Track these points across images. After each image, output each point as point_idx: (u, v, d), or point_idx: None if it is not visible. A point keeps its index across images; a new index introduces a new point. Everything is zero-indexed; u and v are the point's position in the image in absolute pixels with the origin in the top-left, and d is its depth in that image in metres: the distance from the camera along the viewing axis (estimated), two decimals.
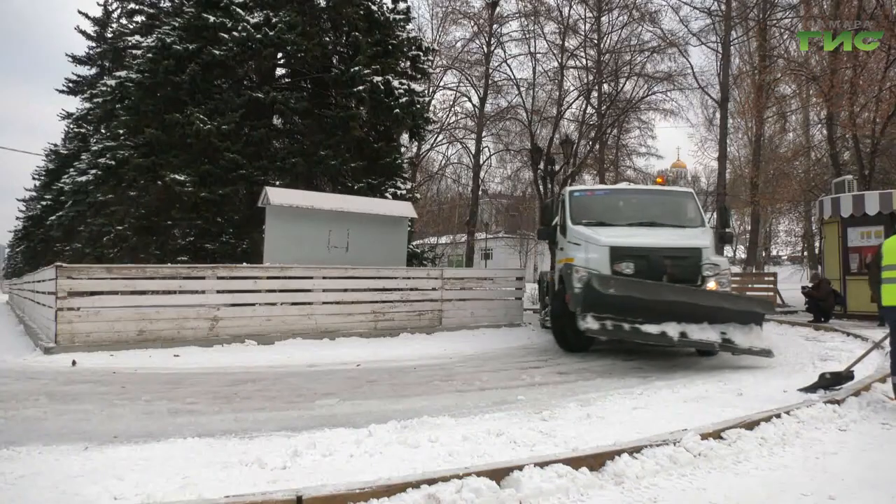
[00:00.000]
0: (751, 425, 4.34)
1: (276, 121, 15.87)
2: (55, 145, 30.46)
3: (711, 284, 8.21)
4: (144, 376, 6.93)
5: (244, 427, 4.62)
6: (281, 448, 3.92)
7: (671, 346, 7.61)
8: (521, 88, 28.79)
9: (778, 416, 4.58)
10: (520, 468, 3.34)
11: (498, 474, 3.28)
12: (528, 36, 28.55)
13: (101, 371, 7.18)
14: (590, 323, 7.47)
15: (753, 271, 26.10)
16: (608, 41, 27.98)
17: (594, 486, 3.34)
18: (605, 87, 28.56)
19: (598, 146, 28.46)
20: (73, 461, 3.72)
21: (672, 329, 7.39)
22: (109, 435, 4.35)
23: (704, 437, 4.01)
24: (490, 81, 28.67)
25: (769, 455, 3.97)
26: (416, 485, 3.08)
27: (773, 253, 54.71)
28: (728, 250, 25.76)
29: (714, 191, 28.59)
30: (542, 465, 3.39)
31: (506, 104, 30.11)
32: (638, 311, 7.45)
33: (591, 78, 28.25)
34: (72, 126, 27.32)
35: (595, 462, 3.56)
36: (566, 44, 27.82)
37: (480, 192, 29.72)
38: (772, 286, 17.69)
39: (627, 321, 7.48)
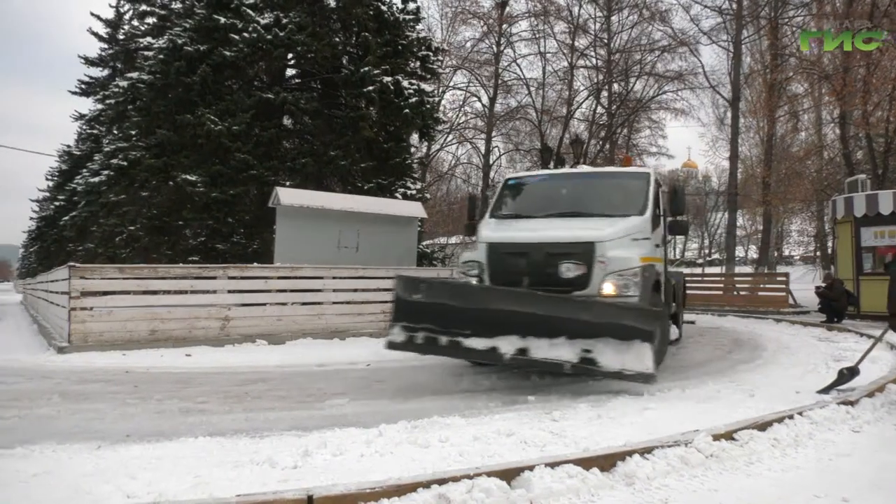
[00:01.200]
0: (763, 426, 4.30)
1: (287, 121, 15.96)
2: (68, 146, 30.72)
3: (608, 288, 6.51)
4: (156, 375, 6.98)
5: (255, 426, 4.64)
6: (292, 447, 3.94)
7: (503, 364, 6.22)
8: (531, 88, 28.84)
9: (791, 417, 4.54)
10: (530, 468, 3.32)
11: (508, 474, 3.27)
12: (537, 36, 28.56)
13: (113, 370, 7.24)
14: (395, 335, 6.22)
15: (766, 271, 25.94)
16: (618, 40, 27.96)
17: (605, 487, 3.33)
18: (616, 86, 28.52)
19: (608, 146, 28.36)
20: (85, 460, 3.75)
21: (508, 345, 5.93)
22: (122, 434, 4.38)
23: (716, 438, 3.98)
24: (500, 81, 28.65)
25: (781, 456, 3.93)
26: (426, 485, 3.08)
27: (786, 253, 54.31)
28: (731, 250, 25.33)
29: (726, 190, 28.39)
30: (553, 465, 3.38)
31: (516, 104, 30.16)
32: (461, 321, 6.04)
33: (601, 77, 28.22)
34: (84, 127, 27.61)
35: (606, 463, 3.54)
36: (576, 43, 27.85)
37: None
38: (784, 286, 17.57)
39: (448, 334, 6.06)
